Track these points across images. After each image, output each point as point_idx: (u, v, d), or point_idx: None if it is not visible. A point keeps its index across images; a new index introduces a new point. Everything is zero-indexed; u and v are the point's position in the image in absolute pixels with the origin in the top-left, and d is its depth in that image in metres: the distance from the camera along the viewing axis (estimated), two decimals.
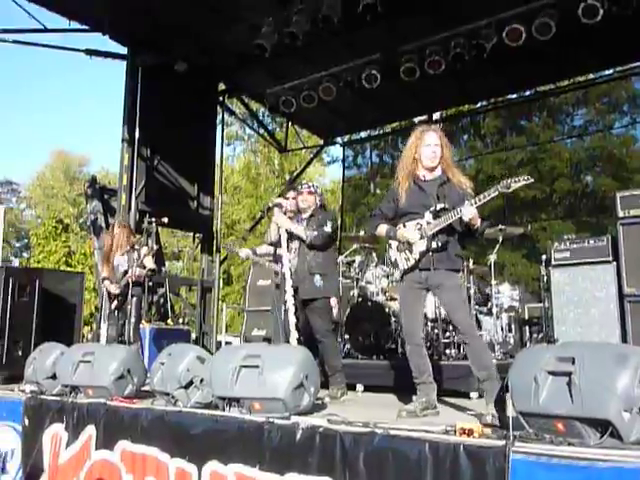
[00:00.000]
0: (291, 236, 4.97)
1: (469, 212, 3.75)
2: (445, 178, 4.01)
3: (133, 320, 6.11)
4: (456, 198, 3.92)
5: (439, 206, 3.91)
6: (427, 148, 3.98)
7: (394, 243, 4.12)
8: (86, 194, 10.06)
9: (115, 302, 6.30)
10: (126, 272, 6.21)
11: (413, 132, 4.13)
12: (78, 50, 8.89)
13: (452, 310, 3.96)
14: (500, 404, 3.07)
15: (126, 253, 6.32)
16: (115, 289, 6.29)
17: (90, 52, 8.93)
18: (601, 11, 6.43)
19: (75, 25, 8.54)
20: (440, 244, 3.89)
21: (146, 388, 4.66)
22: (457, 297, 3.96)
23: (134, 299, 6.10)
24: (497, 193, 3.69)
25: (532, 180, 3.68)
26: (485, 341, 5.48)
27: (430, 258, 3.90)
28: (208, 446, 3.44)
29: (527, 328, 7.13)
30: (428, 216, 3.94)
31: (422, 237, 3.92)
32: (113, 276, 6.39)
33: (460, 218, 3.80)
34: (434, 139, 3.99)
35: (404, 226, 4.05)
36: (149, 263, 6.32)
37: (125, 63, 9.14)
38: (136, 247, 6.31)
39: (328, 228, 4.93)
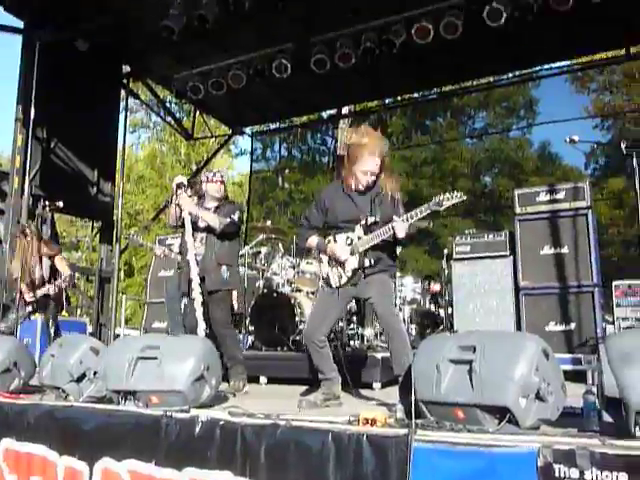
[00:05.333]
0: (196, 226, 4.77)
1: (401, 230, 3.69)
2: (378, 190, 3.93)
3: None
4: (388, 211, 3.86)
5: (370, 220, 3.83)
6: (364, 175, 3.87)
7: (325, 257, 4.01)
8: None
9: (30, 307, 6.25)
10: (43, 282, 6.18)
11: (358, 145, 3.88)
12: None
13: (377, 303, 3.87)
14: (404, 393, 3.09)
15: (38, 263, 6.15)
16: (30, 297, 6.16)
17: None
18: (504, 15, 6.65)
19: None
20: (373, 261, 3.83)
21: (35, 382, 4.38)
22: (383, 290, 3.89)
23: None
24: (430, 211, 3.64)
25: (464, 198, 3.62)
26: None
27: (361, 274, 3.86)
28: (101, 442, 3.25)
29: (428, 320, 7.30)
30: (359, 230, 3.86)
31: (353, 253, 3.84)
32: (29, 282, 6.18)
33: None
34: (373, 167, 3.86)
35: (334, 239, 3.95)
36: (64, 269, 6.33)
37: (21, 37, 8.55)
38: (48, 255, 6.27)
39: (236, 217, 4.83)
